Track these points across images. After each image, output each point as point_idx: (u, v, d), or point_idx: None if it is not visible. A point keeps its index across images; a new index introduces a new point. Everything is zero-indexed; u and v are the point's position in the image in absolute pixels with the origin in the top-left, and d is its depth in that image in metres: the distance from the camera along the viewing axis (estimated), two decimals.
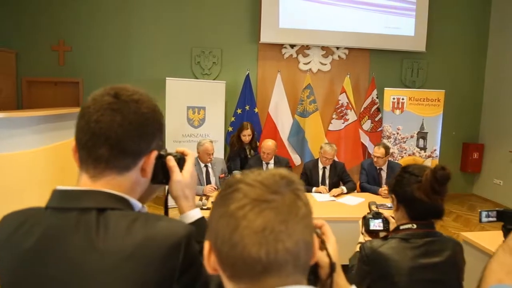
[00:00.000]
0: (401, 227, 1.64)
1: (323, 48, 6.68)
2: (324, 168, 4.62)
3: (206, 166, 4.55)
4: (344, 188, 4.44)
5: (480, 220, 2.00)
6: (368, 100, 6.48)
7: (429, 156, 6.33)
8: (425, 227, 1.63)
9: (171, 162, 1.03)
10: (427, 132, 6.32)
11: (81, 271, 0.76)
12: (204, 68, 6.50)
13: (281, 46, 6.61)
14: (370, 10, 6.50)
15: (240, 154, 5.06)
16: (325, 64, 6.72)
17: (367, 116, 6.49)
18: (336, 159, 6.27)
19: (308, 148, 6.31)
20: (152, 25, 6.35)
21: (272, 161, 4.65)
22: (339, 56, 6.73)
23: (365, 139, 6.47)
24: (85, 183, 0.86)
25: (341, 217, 3.73)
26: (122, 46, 6.34)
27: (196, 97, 5.99)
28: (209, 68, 6.52)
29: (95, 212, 0.80)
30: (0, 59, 5.88)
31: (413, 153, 6.37)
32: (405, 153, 6.39)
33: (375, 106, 6.48)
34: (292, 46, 6.63)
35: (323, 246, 0.85)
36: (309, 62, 6.69)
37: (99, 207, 0.81)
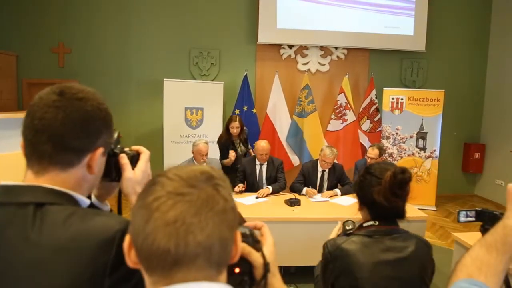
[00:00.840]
0: (364, 224, 1.65)
1: (321, 48, 6.67)
2: (323, 171, 4.58)
3: None
4: (338, 191, 4.39)
5: (458, 220, 1.96)
6: (367, 100, 6.45)
7: (428, 157, 6.28)
8: (388, 224, 1.64)
9: (124, 159, 1.06)
10: (426, 132, 6.27)
11: (14, 263, 0.77)
12: (203, 69, 6.52)
13: (279, 46, 6.60)
14: (369, 10, 6.47)
15: (228, 147, 4.93)
16: (324, 65, 6.70)
17: (366, 117, 6.46)
18: (336, 161, 6.29)
19: (307, 148, 6.29)
20: (150, 27, 6.39)
21: (265, 162, 4.63)
22: (337, 56, 6.70)
23: (364, 140, 6.43)
24: (29, 178, 0.88)
25: (333, 217, 3.70)
26: (121, 47, 6.39)
27: (194, 98, 6.01)
28: (207, 69, 6.53)
29: (33, 207, 0.81)
30: (1, 62, 5.96)
31: (413, 154, 6.32)
32: (404, 153, 6.34)
33: (374, 106, 6.45)
34: (290, 46, 6.62)
35: (258, 247, 0.84)
36: (307, 63, 6.67)
37: (37, 202, 0.82)
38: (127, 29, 6.37)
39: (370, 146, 4.70)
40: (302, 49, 6.65)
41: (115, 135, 1.13)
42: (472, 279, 0.85)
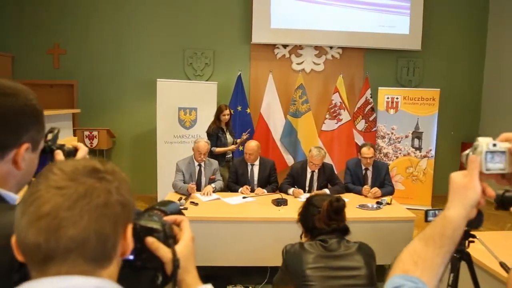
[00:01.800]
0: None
1: (316, 48, 6.63)
2: (312, 171, 4.54)
3: (199, 165, 4.55)
4: (327, 191, 4.34)
5: (425, 220, 1.93)
6: (362, 100, 6.40)
7: (424, 156, 6.21)
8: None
9: (59, 155, 1.06)
10: (422, 132, 6.21)
11: None
12: (197, 69, 6.52)
13: (273, 46, 6.58)
14: (363, 9, 6.42)
15: (218, 134, 5.09)
16: (319, 64, 6.67)
17: (361, 116, 6.41)
18: (329, 160, 6.25)
19: (301, 148, 6.26)
20: (145, 27, 6.40)
21: (257, 163, 4.60)
22: (332, 56, 6.66)
23: (359, 139, 6.38)
24: None
25: None
26: (116, 48, 6.41)
27: (187, 98, 6.01)
28: (201, 69, 6.53)
29: None
30: None
31: (408, 153, 6.26)
32: (400, 153, 6.28)
33: (369, 106, 6.40)
34: (284, 46, 6.59)
35: (169, 242, 0.82)
36: (302, 62, 6.64)
37: None
38: (122, 30, 6.39)
39: (364, 145, 4.64)
40: (296, 49, 6.62)
41: (55, 132, 1.13)
42: (406, 274, 0.83)
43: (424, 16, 6.44)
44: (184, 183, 4.39)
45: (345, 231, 1.97)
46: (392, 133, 6.27)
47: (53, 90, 6.49)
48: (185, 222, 0.90)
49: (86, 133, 6.06)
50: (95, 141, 6.09)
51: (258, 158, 4.60)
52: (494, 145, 0.84)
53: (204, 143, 4.50)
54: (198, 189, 4.43)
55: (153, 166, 5.89)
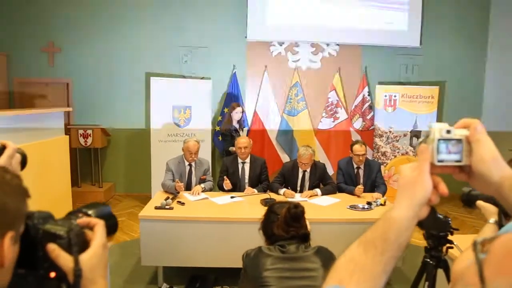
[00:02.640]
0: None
1: (312, 45, 6.52)
2: (304, 171, 4.46)
3: (190, 165, 4.48)
4: (318, 191, 4.26)
5: None
6: (359, 98, 6.29)
7: None
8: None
9: None
10: (420, 131, 6.08)
11: None
12: (192, 67, 6.45)
13: (269, 43, 6.48)
14: (361, 5, 6.30)
15: (232, 133, 5.32)
16: (315, 62, 6.56)
17: (358, 114, 6.31)
18: (326, 159, 6.16)
19: (297, 147, 6.16)
20: (140, 25, 6.35)
21: (248, 160, 4.53)
22: (329, 53, 6.55)
23: (356, 138, 6.26)
24: None
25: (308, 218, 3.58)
26: (110, 46, 6.36)
27: (181, 96, 5.94)
28: (196, 67, 6.46)
29: None
30: None
31: (406, 152, 6.14)
32: (398, 152, 6.17)
33: (367, 104, 6.29)
34: (280, 43, 6.49)
35: (72, 250, 0.75)
36: (298, 60, 6.54)
37: None
38: (116, 28, 6.34)
39: (356, 142, 4.53)
40: (292, 46, 6.52)
41: None
42: (340, 286, 0.72)
43: (423, 12, 6.30)
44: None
45: (305, 238, 1.94)
46: (390, 131, 6.15)
47: (49, 88, 6.48)
48: (99, 226, 0.82)
49: (81, 131, 6.03)
50: (89, 140, 6.05)
51: (249, 156, 4.53)
52: (448, 131, 0.71)
53: (194, 143, 4.42)
54: (188, 189, 4.37)
55: (147, 165, 5.84)
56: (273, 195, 4.06)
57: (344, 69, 6.43)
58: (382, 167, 6.16)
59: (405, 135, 6.13)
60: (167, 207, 3.69)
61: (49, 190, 4.68)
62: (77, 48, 6.34)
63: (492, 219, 1.45)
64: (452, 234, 1.75)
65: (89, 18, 6.30)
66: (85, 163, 6.33)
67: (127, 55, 6.39)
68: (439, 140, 0.71)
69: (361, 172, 4.47)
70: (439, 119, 6.06)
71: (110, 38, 6.35)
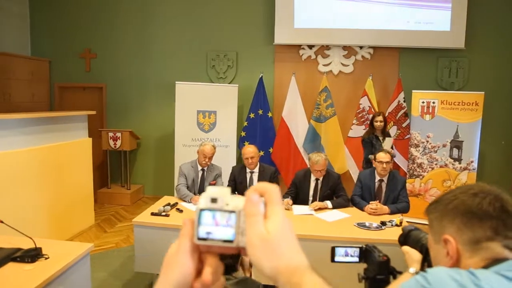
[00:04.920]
0: None
1: (344, 48, 6.17)
2: (317, 179, 4.19)
3: (203, 169, 4.41)
4: (329, 203, 3.96)
5: (331, 259, 1.53)
6: (394, 104, 5.83)
7: (464, 169, 5.49)
8: None
9: None
10: (462, 141, 5.49)
11: None
12: (219, 72, 6.41)
13: (299, 47, 6.25)
14: (397, 5, 5.85)
15: (372, 140, 5.10)
16: (347, 65, 6.20)
17: (392, 122, 5.84)
18: (356, 169, 5.78)
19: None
20: (170, 31, 6.44)
21: (256, 170, 4.34)
22: (362, 56, 6.16)
23: (389, 148, 5.81)
24: None
25: (302, 234, 3.32)
26: (142, 52, 6.52)
27: (207, 101, 5.91)
28: (224, 72, 6.41)
29: None
30: (36, 67, 6.41)
31: (446, 165, 5.57)
32: (436, 164, 5.61)
33: (402, 111, 5.81)
34: (310, 46, 6.23)
35: None
36: (329, 64, 6.23)
37: None
38: (147, 34, 6.49)
39: (380, 151, 4.14)
40: (323, 49, 6.22)
41: None
42: None
43: (468, 10, 5.69)
44: (187, 187, 4.27)
45: (230, 268, 1.67)
46: (427, 141, 5.62)
47: (86, 92, 6.78)
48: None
49: (110, 134, 6.23)
50: (118, 142, 6.23)
51: (258, 165, 4.34)
52: (214, 200, 0.51)
53: (210, 147, 4.33)
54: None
55: (170, 169, 5.87)
56: None
57: (378, 73, 6.01)
58: (417, 180, 5.70)
59: (444, 146, 5.56)
60: (163, 213, 3.63)
61: (71, 190, 4.86)
62: (111, 54, 6.58)
63: (413, 269, 1.18)
64: (394, 277, 1.44)
65: (122, 25, 6.51)
66: (116, 165, 6.52)
67: (157, 61, 6.51)
68: (201, 210, 0.51)
69: (383, 186, 4.09)
70: (484, 128, 5.42)
71: (141, 44, 6.51)
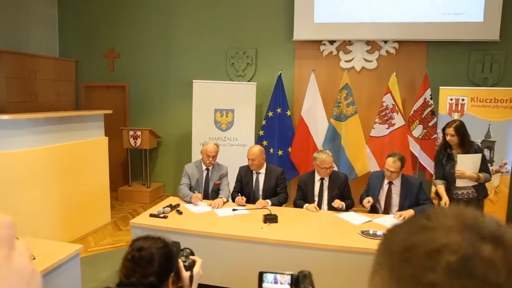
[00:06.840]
0: None
1: (368, 43, 5.87)
2: (321, 179, 4.01)
3: (207, 169, 4.36)
4: (344, 204, 3.81)
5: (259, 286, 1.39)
6: (420, 102, 5.47)
7: (497, 171, 5.07)
8: None
9: None
10: (494, 141, 5.06)
11: None
12: (238, 70, 6.31)
13: (319, 43, 6.01)
14: None
15: (442, 159, 3.98)
16: (371, 61, 5.90)
17: (418, 121, 5.50)
18: (372, 169, 5.50)
19: (345, 155, 5.63)
20: (189, 30, 6.42)
21: (263, 171, 4.21)
22: (387, 51, 5.83)
23: (415, 148, 5.48)
24: None
25: (300, 241, 3.16)
26: (163, 51, 6.56)
27: (224, 100, 5.84)
28: (243, 69, 6.30)
29: None
30: (63, 68, 6.63)
31: None
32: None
33: (429, 109, 5.45)
34: (331, 42, 5.98)
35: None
36: (351, 59, 5.95)
37: None
38: (167, 33, 6.51)
39: (390, 155, 3.91)
40: (345, 44, 5.95)
41: None
42: None
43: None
44: (190, 188, 4.23)
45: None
46: None
47: (110, 91, 6.92)
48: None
49: (131, 132, 6.32)
50: (138, 141, 6.31)
51: (264, 166, 4.21)
52: None
53: (213, 146, 4.26)
54: (205, 195, 4.22)
55: None
56: (276, 211, 3.68)
57: (403, 69, 5.67)
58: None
59: None
60: (161, 215, 3.60)
61: (87, 188, 4.96)
62: (134, 54, 6.67)
63: None
64: None
65: (144, 25, 6.58)
66: (137, 163, 6.62)
67: (177, 59, 6.52)
68: None
69: (393, 188, 3.84)
70: None
71: (162, 43, 6.55)
